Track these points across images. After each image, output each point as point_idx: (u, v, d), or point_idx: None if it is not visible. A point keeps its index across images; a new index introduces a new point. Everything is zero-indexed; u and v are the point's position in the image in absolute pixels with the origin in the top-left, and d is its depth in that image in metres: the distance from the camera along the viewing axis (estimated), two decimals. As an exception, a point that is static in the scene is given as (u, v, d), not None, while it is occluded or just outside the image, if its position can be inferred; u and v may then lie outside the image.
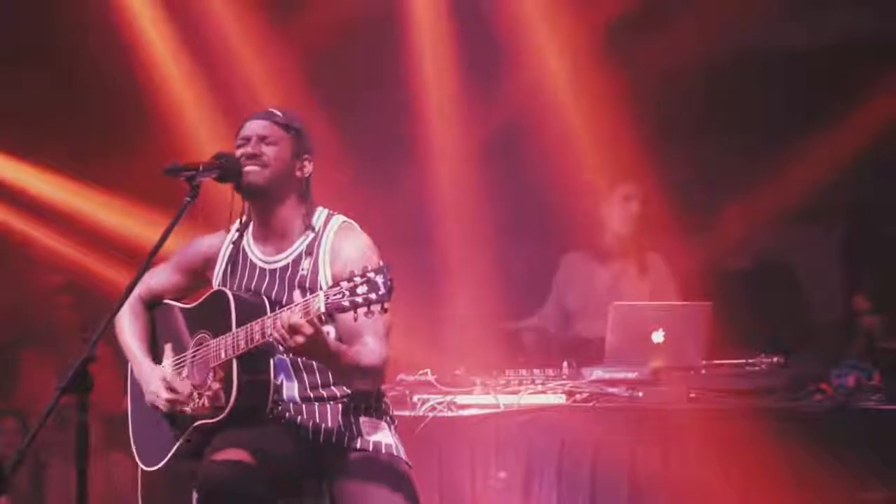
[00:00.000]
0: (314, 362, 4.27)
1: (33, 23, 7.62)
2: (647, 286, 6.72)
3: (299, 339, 3.92)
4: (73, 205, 8.00)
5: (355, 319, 3.86)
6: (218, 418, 4.23)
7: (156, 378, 4.37)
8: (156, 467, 4.45)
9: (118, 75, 7.59)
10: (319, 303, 3.87)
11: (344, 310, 3.85)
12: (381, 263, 3.91)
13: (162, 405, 4.33)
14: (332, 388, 4.32)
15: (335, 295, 3.85)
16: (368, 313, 3.84)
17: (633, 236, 6.78)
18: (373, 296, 3.82)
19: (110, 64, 7.56)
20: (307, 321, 3.90)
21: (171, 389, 4.32)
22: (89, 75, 7.68)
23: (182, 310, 4.51)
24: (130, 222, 7.73)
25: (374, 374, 4.21)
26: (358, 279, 3.84)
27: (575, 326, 6.74)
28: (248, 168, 4.28)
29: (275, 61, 7.44)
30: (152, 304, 4.59)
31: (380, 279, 3.83)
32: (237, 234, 4.47)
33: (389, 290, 3.82)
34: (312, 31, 7.49)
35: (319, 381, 4.31)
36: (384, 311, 3.86)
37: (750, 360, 5.92)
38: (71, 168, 7.92)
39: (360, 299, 3.82)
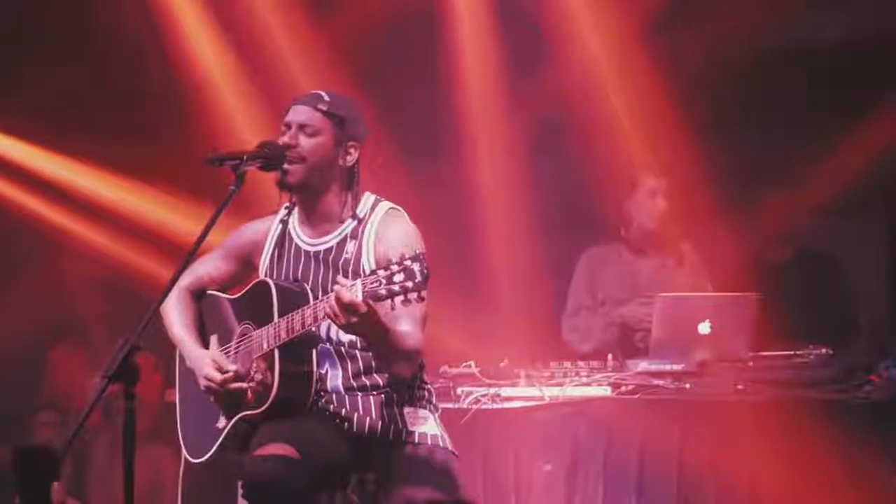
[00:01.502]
0: (357, 350, 4.25)
1: (70, 20, 7.63)
2: (685, 277, 6.67)
3: (353, 318, 3.91)
4: (109, 198, 8.01)
5: (392, 308, 3.86)
6: (260, 409, 4.22)
7: (205, 361, 4.34)
8: (202, 459, 4.44)
9: (155, 70, 7.60)
10: (357, 291, 3.86)
11: (381, 298, 3.84)
12: (418, 251, 3.89)
13: (216, 386, 4.29)
14: (375, 375, 4.30)
15: (372, 283, 3.84)
16: (405, 301, 3.83)
17: (661, 230, 6.72)
18: (409, 284, 3.80)
19: (147, 59, 7.57)
20: (362, 300, 3.87)
21: (221, 369, 4.28)
22: (126, 71, 7.69)
23: (227, 300, 4.50)
24: (168, 214, 7.74)
25: (412, 358, 4.20)
26: (395, 267, 3.83)
27: (618, 313, 6.65)
28: (284, 166, 4.26)
29: (314, 55, 7.42)
30: (199, 294, 4.57)
31: (416, 267, 3.81)
32: (284, 217, 4.45)
33: (426, 278, 3.81)
34: (352, 24, 7.46)
35: (362, 368, 4.29)
36: (421, 298, 3.85)
37: (798, 352, 5.86)
38: (107, 162, 7.94)
39: (396, 287, 3.81)
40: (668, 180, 6.68)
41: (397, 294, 3.82)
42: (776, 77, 7.38)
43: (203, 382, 4.33)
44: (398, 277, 3.82)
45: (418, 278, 3.80)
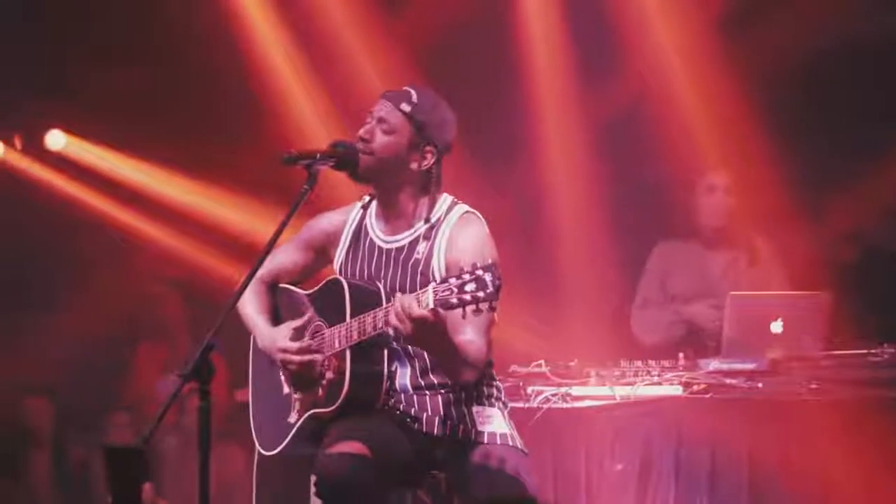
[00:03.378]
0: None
1: (138, 21, 7.71)
2: (757, 274, 6.63)
3: (417, 327, 3.90)
4: (184, 200, 8.09)
5: (463, 316, 3.84)
6: (331, 409, 4.24)
7: (281, 333, 4.37)
8: (273, 452, 4.47)
9: (225, 70, 7.65)
10: (428, 298, 3.86)
11: (452, 307, 3.82)
12: (491, 261, 3.86)
13: (293, 356, 4.31)
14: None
15: (444, 291, 3.83)
16: (476, 311, 3.82)
17: (726, 226, 6.68)
18: (480, 294, 3.79)
19: (217, 59, 7.62)
20: (429, 311, 3.87)
21: (297, 340, 4.31)
22: (195, 71, 7.75)
23: (301, 296, 4.51)
24: (241, 215, 7.79)
25: (475, 368, 4.17)
26: (467, 276, 3.81)
27: (687, 312, 6.63)
28: (358, 157, 4.28)
29: (386, 55, 7.44)
30: (275, 285, 4.59)
31: (488, 277, 3.80)
32: (362, 210, 4.47)
33: (497, 289, 3.79)
34: (424, 24, 7.48)
35: (429, 365, 4.29)
36: (492, 309, 3.85)
37: (871, 350, 5.79)
38: (180, 164, 8.01)
39: (468, 297, 3.80)
40: (729, 176, 6.67)
41: (468, 303, 3.80)
42: (845, 78, 7.31)
43: (279, 356, 4.35)
44: (470, 287, 3.80)
45: (490, 289, 3.79)
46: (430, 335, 3.94)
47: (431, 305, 3.85)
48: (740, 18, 7.21)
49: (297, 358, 4.31)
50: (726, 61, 7.11)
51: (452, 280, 3.83)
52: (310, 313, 4.39)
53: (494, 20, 7.39)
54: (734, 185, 6.68)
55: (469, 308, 3.80)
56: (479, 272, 3.80)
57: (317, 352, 4.29)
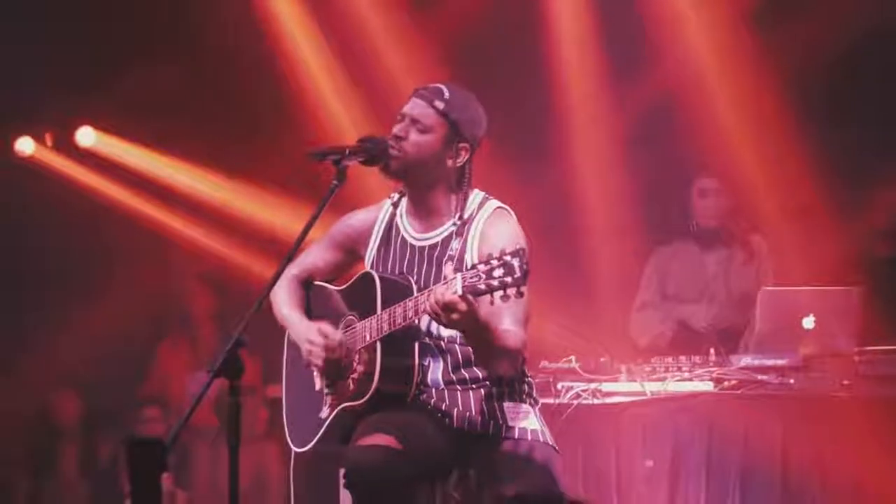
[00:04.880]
0: (456, 345, 4.25)
1: (168, 19, 7.73)
2: (752, 272, 6.65)
3: (454, 315, 3.90)
4: (212, 195, 8.10)
5: (492, 303, 3.83)
6: (362, 401, 4.23)
7: (312, 329, 4.35)
8: (305, 448, 4.46)
9: (254, 68, 7.66)
10: (456, 285, 3.85)
11: (480, 293, 3.81)
12: (519, 246, 3.85)
13: (320, 350, 4.29)
14: (474, 368, 4.28)
15: (472, 278, 3.82)
16: (504, 297, 3.80)
17: (720, 227, 6.74)
18: (508, 279, 3.77)
19: (246, 58, 7.64)
20: (461, 297, 3.86)
21: (326, 335, 4.29)
22: (226, 69, 7.77)
23: (333, 291, 4.51)
24: (271, 212, 7.80)
25: (514, 357, 4.16)
26: (494, 262, 3.80)
27: (680, 313, 6.65)
28: (389, 152, 4.26)
29: (414, 52, 7.44)
30: (306, 284, 4.58)
31: (516, 262, 3.78)
32: (392, 207, 4.46)
33: (525, 274, 3.77)
34: (454, 21, 7.48)
35: (461, 361, 4.28)
36: (520, 294, 3.81)
37: (906, 347, 5.77)
38: (209, 159, 8.03)
39: (496, 282, 3.78)
40: (718, 179, 6.75)
41: (496, 289, 3.78)
42: (878, 71, 7.28)
43: (305, 347, 4.33)
44: (498, 272, 3.79)
45: (517, 273, 3.77)
46: (467, 322, 3.92)
47: (460, 292, 3.84)
48: (772, 12, 7.18)
49: (322, 353, 4.29)
50: (759, 56, 7.08)
51: (480, 266, 3.82)
52: (340, 329, 4.38)
53: (525, 15, 7.37)
54: (755, 183, 6.69)
55: (497, 294, 3.79)
56: (507, 257, 3.79)
57: (343, 350, 4.28)
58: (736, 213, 6.79)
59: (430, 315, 3.97)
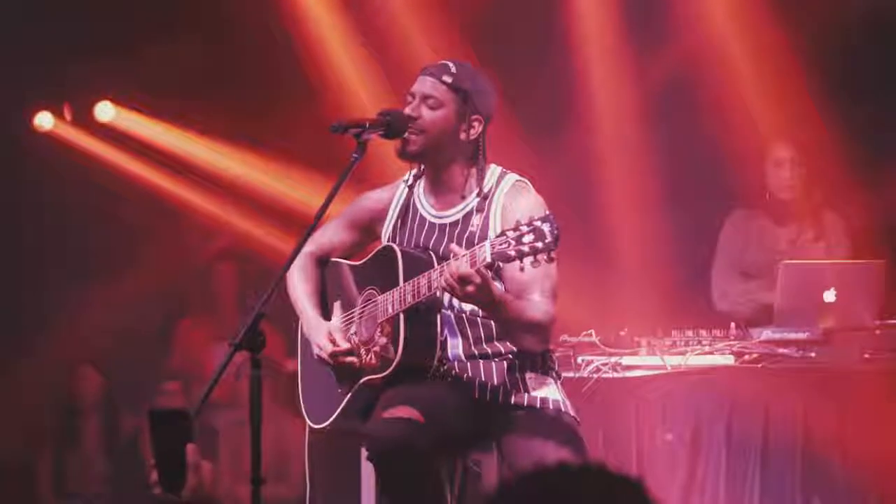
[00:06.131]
0: (479, 318, 4.23)
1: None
2: (822, 250, 6.53)
3: (469, 288, 3.89)
4: (230, 172, 8.10)
5: (521, 269, 3.81)
6: (385, 373, 4.22)
7: (321, 331, 4.38)
8: (323, 425, 4.46)
9: (277, 46, 7.64)
10: (486, 252, 3.83)
11: (510, 259, 3.80)
12: (548, 212, 3.84)
13: (326, 357, 4.33)
14: (497, 343, 4.28)
15: (501, 244, 3.80)
16: (535, 263, 3.78)
17: (795, 200, 6.59)
18: (539, 244, 3.76)
19: (268, 35, 7.62)
20: (475, 270, 3.86)
21: (334, 342, 4.31)
22: (247, 44, 7.75)
23: (351, 267, 4.51)
24: (293, 188, 7.79)
25: (539, 330, 4.14)
26: (524, 228, 3.79)
27: (753, 290, 6.54)
28: (405, 135, 4.25)
29: (436, 30, 7.40)
30: (323, 262, 4.59)
31: (546, 227, 3.77)
32: (409, 186, 4.45)
33: (556, 239, 3.76)
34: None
35: (483, 336, 4.27)
36: (550, 260, 3.80)
37: (929, 320, 5.74)
38: (230, 135, 8.02)
39: (526, 248, 3.77)
40: (796, 149, 6.56)
41: (526, 255, 3.77)
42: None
43: (315, 351, 4.38)
44: (528, 238, 3.77)
45: (548, 238, 3.76)
46: (481, 297, 3.92)
47: (489, 259, 3.82)
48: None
49: (330, 361, 4.33)
50: (782, 28, 7.02)
51: (510, 232, 3.81)
52: (360, 303, 4.38)
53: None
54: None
55: (527, 260, 3.77)
56: (537, 223, 3.78)
57: (352, 354, 4.29)
58: (812, 185, 6.60)
59: (445, 289, 3.96)
